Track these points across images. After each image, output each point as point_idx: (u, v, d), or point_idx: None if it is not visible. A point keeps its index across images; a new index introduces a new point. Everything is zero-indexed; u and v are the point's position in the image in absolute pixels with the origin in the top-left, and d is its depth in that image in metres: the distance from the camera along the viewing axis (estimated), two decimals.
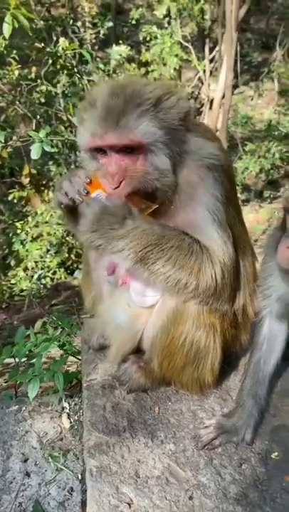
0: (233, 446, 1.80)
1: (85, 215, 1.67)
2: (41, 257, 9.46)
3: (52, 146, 4.22)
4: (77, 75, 6.14)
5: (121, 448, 1.76)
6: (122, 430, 1.83)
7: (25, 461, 2.27)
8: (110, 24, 8.31)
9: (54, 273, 9.53)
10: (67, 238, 9.60)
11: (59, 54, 5.21)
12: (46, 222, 9.47)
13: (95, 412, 1.91)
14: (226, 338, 1.92)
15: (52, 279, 9.54)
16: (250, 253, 2.06)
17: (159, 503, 1.57)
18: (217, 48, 14.77)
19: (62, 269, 9.64)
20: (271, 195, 10.38)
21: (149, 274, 1.73)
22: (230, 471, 1.71)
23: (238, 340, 2.05)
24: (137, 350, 2.09)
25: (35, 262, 9.33)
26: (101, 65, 12.17)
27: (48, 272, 9.51)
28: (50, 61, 5.52)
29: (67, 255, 9.77)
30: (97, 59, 13.41)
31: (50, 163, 10.20)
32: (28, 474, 2.21)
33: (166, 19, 14.46)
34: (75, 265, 9.98)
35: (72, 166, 9.84)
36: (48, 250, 9.59)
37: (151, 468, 1.69)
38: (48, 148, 4.16)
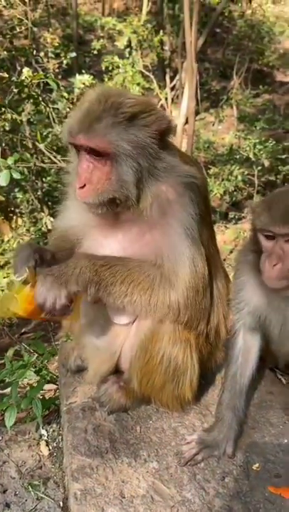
0: (215, 460, 1.83)
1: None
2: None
3: (20, 173, 4.24)
4: (43, 103, 6.22)
5: (104, 469, 1.75)
6: (104, 452, 1.83)
7: (4, 491, 2.20)
8: (74, 54, 8.52)
9: None
10: None
11: (25, 83, 5.29)
12: (14, 250, 9.36)
13: (77, 435, 1.89)
14: (202, 353, 1.96)
15: None
16: (222, 275, 2.12)
17: None
18: (177, 77, 15.32)
19: None
20: (236, 216, 10.67)
21: (112, 297, 1.79)
22: (214, 484, 1.73)
23: (213, 357, 2.10)
24: (116, 371, 2.11)
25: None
26: (65, 94, 12.37)
27: None
28: (16, 90, 5.59)
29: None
30: (61, 88, 13.62)
31: (16, 190, 10.17)
32: (7, 505, 2.14)
33: (127, 50, 14.93)
34: None
35: (39, 193, 9.85)
36: None
37: (135, 487, 1.69)
38: (16, 176, 4.19)
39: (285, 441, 1.93)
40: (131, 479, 1.72)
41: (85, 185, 1.74)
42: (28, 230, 10.10)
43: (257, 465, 1.82)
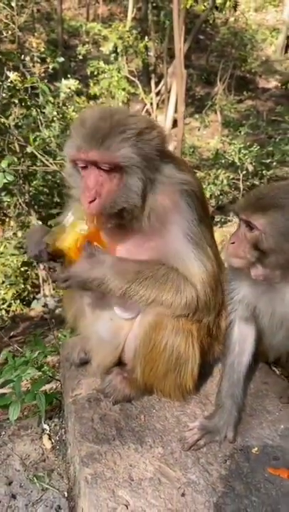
0: (216, 445, 1.92)
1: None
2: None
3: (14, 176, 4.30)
4: (33, 107, 6.29)
5: (112, 455, 1.83)
6: (111, 439, 1.90)
7: (10, 484, 2.26)
8: (62, 59, 8.60)
9: (9, 305, 9.33)
10: (22, 269, 9.49)
11: (18, 87, 5.35)
12: (1, 253, 9.34)
13: (84, 424, 1.97)
14: (202, 344, 2.06)
15: (7, 311, 9.33)
16: (223, 270, 2.23)
17: (154, 501, 1.65)
18: (163, 82, 15.52)
19: (18, 301, 9.47)
20: (222, 220, 10.86)
21: (132, 301, 1.91)
22: (217, 467, 1.82)
23: (213, 348, 2.20)
24: (119, 363, 2.19)
25: None
26: (50, 98, 12.42)
27: (3, 304, 9.29)
28: (8, 94, 5.65)
29: (23, 286, 9.63)
30: (48, 92, 13.66)
31: (3, 193, 10.15)
32: (13, 496, 2.20)
33: (113, 55, 15.07)
34: (32, 296, 9.85)
35: (27, 196, 9.85)
36: (2, 282, 9.39)
37: (143, 471, 1.77)
38: (10, 178, 4.24)
39: (282, 426, 2.04)
40: (138, 463, 1.80)
41: (95, 199, 1.82)
42: (15, 234, 10.10)
43: (256, 449, 1.92)
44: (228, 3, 10.06)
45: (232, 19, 17.79)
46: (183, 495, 1.70)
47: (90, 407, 2.06)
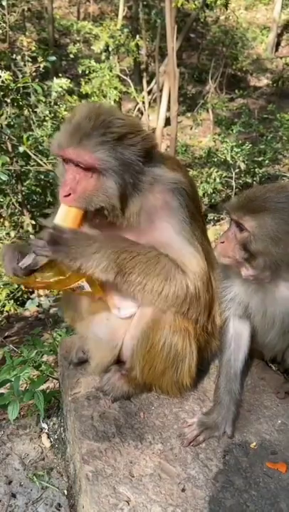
0: (215, 441, 1.94)
1: (59, 243, 1.80)
2: None
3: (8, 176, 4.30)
4: (26, 107, 6.27)
5: (113, 452, 1.85)
6: (111, 436, 1.92)
7: (10, 483, 2.27)
8: (54, 58, 8.58)
9: (3, 305, 9.30)
10: None
11: (11, 87, 5.33)
12: None
13: (84, 422, 1.98)
14: (199, 342, 2.08)
15: (1, 312, 9.30)
16: (215, 268, 2.25)
17: (155, 497, 1.67)
18: (154, 81, 15.51)
19: (12, 301, 9.44)
20: (215, 218, 10.90)
21: (127, 285, 1.87)
22: (216, 462, 1.85)
23: (209, 345, 2.21)
24: (117, 361, 2.20)
25: None
26: (42, 98, 12.38)
27: None
28: (1, 94, 5.63)
29: (16, 286, 9.59)
30: (39, 91, 13.62)
31: None
32: (13, 495, 2.21)
33: (104, 54, 15.03)
34: (26, 296, 9.82)
35: (20, 196, 9.81)
36: None
37: (143, 467, 1.79)
38: (4, 178, 4.23)
39: (279, 421, 2.06)
40: (138, 460, 1.82)
41: (69, 194, 1.84)
42: (8, 234, 10.06)
43: (254, 444, 1.94)
44: (219, 1, 10.07)
45: (222, 17, 17.82)
46: (183, 490, 1.72)
47: (90, 405, 2.07)
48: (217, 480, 1.77)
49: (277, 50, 21.02)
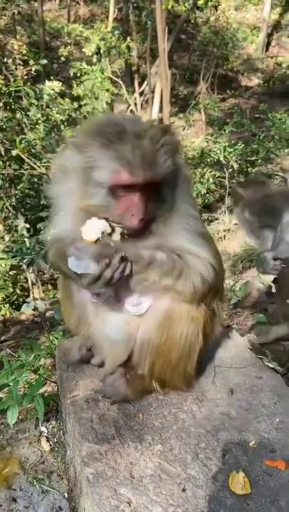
0: (215, 440, 1.96)
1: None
2: None
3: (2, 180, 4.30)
4: (20, 110, 6.28)
5: (113, 454, 1.85)
6: (111, 438, 1.92)
7: (10, 487, 2.27)
8: (44, 61, 8.55)
9: None
10: (10, 273, 9.43)
11: (2, 91, 5.34)
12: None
13: (83, 424, 1.98)
14: (205, 329, 2.09)
15: None
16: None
17: (156, 498, 1.68)
18: (146, 83, 15.55)
19: (7, 305, 9.41)
20: (209, 218, 10.95)
21: (144, 288, 1.94)
22: (216, 462, 1.86)
23: (213, 332, 2.21)
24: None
25: None
26: (34, 101, 12.38)
27: None
28: None
29: (12, 290, 9.57)
30: (30, 95, 13.61)
31: None
32: (14, 500, 2.21)
33: (95, 56, 15.06)
34: (21, 300, 9.79)
35: (13, 200, 9.80)
36: None
37: (143, 468, 1.80)
38: None
39: (277, 419, 2.08)
40: (138, 461, 1.82)
41: (143, 218, 1.83)
42: (2, 238, 10.03)
43: (253, 442, 1.96)
44: (209, 3, 10.12)
45: (213, 18, 17.87)
46: (184, 490, 1.73)
47: (89, 408, 2.07)
48: (217, 479, 1.78)
49: (267, 49, 21.13)
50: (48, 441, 2.54)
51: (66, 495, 2.23)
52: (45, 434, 2.57)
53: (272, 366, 2.51)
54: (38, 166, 6.29)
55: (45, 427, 2.60)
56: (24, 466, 2.38)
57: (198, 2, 10.46)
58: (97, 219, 1.83)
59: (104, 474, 1.76)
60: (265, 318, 4.05)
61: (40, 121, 10.93)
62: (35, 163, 6.35)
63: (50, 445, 2.52)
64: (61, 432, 2.50)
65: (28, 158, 6.36)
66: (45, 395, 2.72)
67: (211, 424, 2.04)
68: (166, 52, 9.51)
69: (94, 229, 1.81)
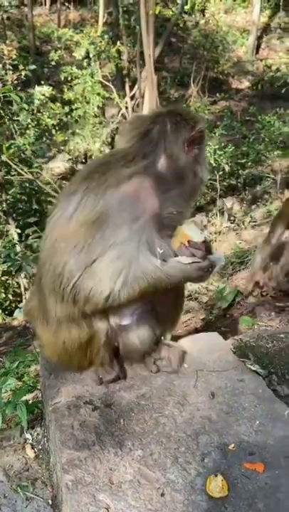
0: (194, 444, 1.97)
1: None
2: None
3: None
4: (7, 116, 6.29)
5: (92, 460, 1.87)
6: (91, 444, 1.94)
7: None
8: (33, 67, 8.56)
9: None
10: (2, 278, 9.40)
11: None
12: None
13: (64, 431, 2.00)
14: None
15: None
16: None
17: (134, 503, 1.69)
18: (137, 86, 15.58)
19: None
20: (201, 221, 10.97)
21: None
22: (195, 465, 1.88)
23: None
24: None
25: None
26: (25, 105, 12.38)
27: None
28: None
29: (4, 295, 9.54)
30: (17, 102, 13.62)
31: None
32: None
33: (86, 60, 15.08)
34: (14, 305, 9.75)
35: (4, 205, 9.77)
36: None
37: (123, 474, 1.81)
38: None
39: (257, 422, 2.10)
40: (118, 467, 1.84)
41: None
42: None
43: (233, 445, 1.98)
44: (196, 7, 10.19)
45: (202, 21, 17.94)
46: (162, 495, 1.74)
47: (70, 415, 2.09)
48: (196, 483, 1.80)
49: (257, 52, 21.23)
50: (32, 448, 2.55)
51: (50, 502, 2.24)
52: (30, 441, 2.58)
53: (254, 369, 2.54)
54: (26, 172, 6.28)
55: (30, 434, 2.60)
56: (8, 473, 2.39)
57: (185, 7, 10.53)
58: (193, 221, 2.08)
59: (84, 481, 1.77)
60: (250, 321, 4.09)
61: (30, 126, 10.94)
62: (22, 169, 6.35)
63: (35, 452, 2.53)
64: (45, 438, 2.51)
65: (16, 164, 6.35)
66: (30, 402, 2.73)
67: (192, 428, 2.06)
68: (152, 57, 9.57)
69: (199, 230, 2.07)
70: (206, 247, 2.08)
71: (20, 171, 6.20)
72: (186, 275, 2.08)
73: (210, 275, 2.14)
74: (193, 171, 2.14)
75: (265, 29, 22.08)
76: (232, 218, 10.54)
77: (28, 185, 10.17)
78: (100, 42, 14.38)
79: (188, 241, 2.03)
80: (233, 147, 11.74)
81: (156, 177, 2.02)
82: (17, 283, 10.09)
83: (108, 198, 1.93)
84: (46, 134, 14.69)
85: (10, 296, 9.76)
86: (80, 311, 2.01)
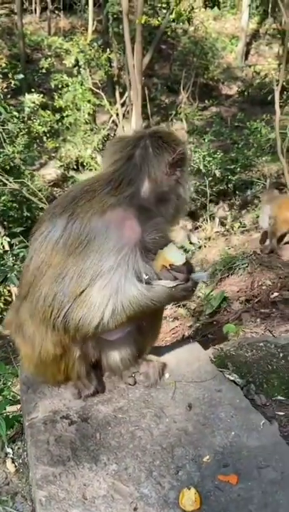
0: (170, 457, 1.99)
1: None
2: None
3: None
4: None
5: (67, 476, 1.87)
6: (66, 460, 1.95)
7: None
8: (21, 76, 8.59)
9: None
10: None
11: None
12: None
13: (39, 447, 2.00)
14: None
15: None
16: None
17: None
18: (127, 93, 15.67)
19: None
20: (192, 226, 11.01)
21: None
22: (169, 479, 1.89)
23: None
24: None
25: None
26: (15, 113, 12.41)
27: None
28: None
29: None
30: (11, 107, 13.66)
31: None
32: None
33: (76, 68, 15.16)
34: (4, 313, 9.73)
35: None
36: None
37: (96, 489, 1.82)
38: None
39: (233, 433, 2.12)
40: (92, 482, 1.85)
41: None
42: None
43: (207, 457, 1.99)
44: (182, 18, 10.30)
45: (191, 29, 18.11)
46: (135, 509, 1.75)
47: (46, 430, 2.09)
48: (169, 496, 1.81)
49: (246, 58, 21.44)
50: (13, 462, 2.55)
51: None
52: (11, 455, 2.58)
53: (232, 378, 2.56)
54: (10, 182, 6.30)
55: (11, 448, 2.61)
56: None
57: (171, 16, 10.63)
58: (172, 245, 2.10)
59: (57, 496, 1.78)
60: (235, 329, 4.12)
61: (20, 134, 10.97)
62: (7, 180, 6.36)
63: (16, 466, 2.53)
64: (25, 453, 2.52)
65: (1, 175, 6.36)
66: (11, 416, 2.73)
67: (168, 441, 2.07)
68: (136, 68, 9.64)
69: (179, 253, 2.11)
70: (188, 267, 2.11)
71: (5, 181, 6.20)
72: (171, 298, 2.15)
73: (194, 293, 2.21)
74: (176, 193, 2.19)
75: (254, 35, 22.33)
76: (222, 223, 10.60)
77: (18, 192, 10.21)
78: (90, 50, 14.47)
79: (170, 265, 2.06)
80: (222, 153, 11.83)
81: (140, 204, 2.06)
82: (8, 291, 10.08)
83: (94, 226, 1.97)
84: (37, 141, 14.73)
85: (1, 305, 9.73)
86: (70, 339, 2.05)
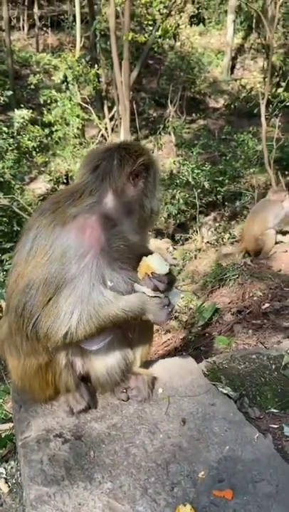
0: (164, 473, 1.98)
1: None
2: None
3: None
4: None
5: (61, 496, 1.86)
6: (60, 479, 1.93)
7: None
8: (10, 93, 8.65)
9: None
10: None
11: None
12: None
13: (33, 467, 1.98)
14: None
15: None
16: None
17: None
18: (115, 108, 15.82)
19: None
20: (182, 237, 11.08)
21: None
22: (164, 496, 1.88)
23: None
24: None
25: None
26: (4, 128, 12.46)
27: None
28: None
29: None
30: (0, 123, 13.72)
31: None
32: None
33: (64, 84, 15.28)
34: None
35: None
36: None
37: (91, 508, 1.81)
38: None
39: (227, 447, 2.12)
40: (87, 501, 1.83)
41: None
42: None
43: (202, 473, 1.99)
44: (168, 34, 10.49)
45: (178, 44, 18.41)
46: None
47: (39, 449, 2.07)
48: None
49: (232, 72, 21.81)
50: (6, 482, 2.51)
51: None
52: (4, 475, 2.54)
53: (225, 392, 2.56)
54: (0, 197, 6.30)
55: (4, 467, 2.57)
56: None
57: (157, 33, 10.82)
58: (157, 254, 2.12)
59: None
60: (227, 341, 4.13)
61: (9, 150, 11.00)
62: None
63: (9, 486, 2.49)
64: (19, 472, 2.48)
65: None
66: (3, 435, 2.70)
67: (162, 457, 2.07)
68: (124, 84, 9.77)
69: (163, 263, 2.12)
70: (169, 278, 2.12)
71: None
72: (142, 310, 2.13)
73: (168, 315, 2.15)
74: (140, 204, 2.20)
75: (239, 50, 22.75)
76: (212, 234, 10.67)
77: (8, 207, 10.19)
78: (78, 66, 14.62)
79: (152, 273, 2.07)
80: (211, 165, 11.97)
81: (101, 213, 2.08)
82: (0, 306, 10.01)
83: (56, 236, 2.01)
84: (27, 156, 14.77)
85: None
86: (44, 347, 2.05)
